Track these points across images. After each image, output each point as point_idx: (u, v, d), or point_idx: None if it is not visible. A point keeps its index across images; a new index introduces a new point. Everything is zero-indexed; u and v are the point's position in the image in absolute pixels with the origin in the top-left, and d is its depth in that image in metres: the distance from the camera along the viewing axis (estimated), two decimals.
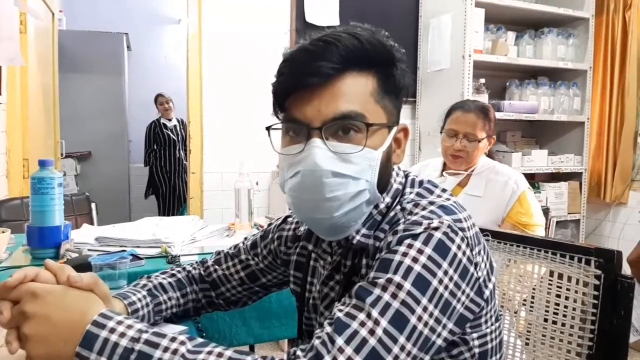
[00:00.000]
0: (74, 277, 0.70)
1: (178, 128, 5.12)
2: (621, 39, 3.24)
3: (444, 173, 2.00)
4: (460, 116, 1.91)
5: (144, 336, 0.63)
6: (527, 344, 1.09)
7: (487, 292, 0.75)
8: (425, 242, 0.69)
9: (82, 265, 1.14)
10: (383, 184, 0.80)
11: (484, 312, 0.77)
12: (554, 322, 1.02)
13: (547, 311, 1.04)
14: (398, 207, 0.79)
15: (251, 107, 2.93)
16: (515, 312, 1.14)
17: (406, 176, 0.85)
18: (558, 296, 1.02)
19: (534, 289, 1.09)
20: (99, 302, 0.70)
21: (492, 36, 3.13)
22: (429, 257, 0.68)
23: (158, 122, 5.04)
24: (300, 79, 0.74)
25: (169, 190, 5.08)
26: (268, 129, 0.80)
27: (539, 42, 3.25)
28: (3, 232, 1.34)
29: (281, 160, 0.80)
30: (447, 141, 1.93)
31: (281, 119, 0.79)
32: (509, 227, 1.84)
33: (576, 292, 0.98)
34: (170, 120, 5.08)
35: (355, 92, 0.75)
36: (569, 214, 3.31)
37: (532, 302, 1.09)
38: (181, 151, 5.06)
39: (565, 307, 1.00)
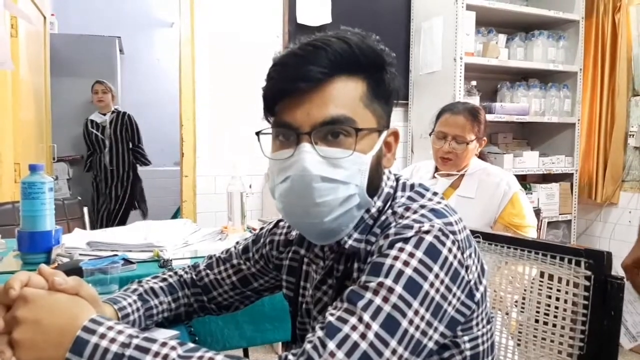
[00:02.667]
0: (57, 281, 0.70)
1: (113, 125, 4.15)
2: (611, 41, 3.27)
3: (435, 175, 2.00)
4: (449, 118, 1.92)
5: (135, 341, 0.63)
6: (518, 345, 1.10)
7: (478, 295, 0.76)
8: (417, 246, 0.69)
9: (73, 270, 1.13)
10: (373, 188, 0.80)
11: (475, 314, 0.77)
12: (545, 323, 1.03)
13: (538, 312, 1.05)
14: (389, 211, 0.79)
15: (244, 110, 2.93)
16: (507, 314, 1.14)
17: (397, 180, 0.85)
18: (549, 297, 1.02)
19: (525, 290, 1.09)
20: (90, 308, 0.69)
21: (483, 39, 3.14)
22: (420, 261, 0.68)
23: (87, 119, 4.21)
24: (290, 83, 0.74)
25: (96, 205, 4.21)
26: (258, 134, 0.80)
27: (530, 45, 3.27)
28: None
29: (271, 166, 0.80)
30: (436, 143, 1.94)
31: (271, 123, 0.79)
32: (501, 229, 1.85)
33: (567, 293, 0.99)
34: (104, 114, 4.17)
35: (344, 96, 0.75)
36: (560, 214, 3.33)
37: (523, 304, 1.09)
38: (115, 155, 4.14)
39: (556, 308, 1.01)
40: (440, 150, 1.92)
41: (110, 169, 4.17)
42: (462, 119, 1.89)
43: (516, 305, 1.12)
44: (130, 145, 4.27)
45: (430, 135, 1.99)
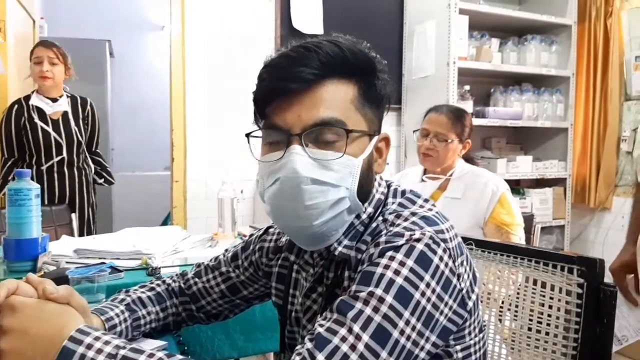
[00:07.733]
0: (49, 289, 0.69)
1: (73, 117, 2.55)
2: (603, 46, 3.28)
3: (423, 178, 2.06)
4: (432, 116, 2.03)
5: (122, 352, 0.62)
6: (511, 352, 1.09)
7: (470, 304, 0.74)
8: (407, 254, 0.68)
9: (60, 279, 1.11)
10: (364, 193, 0.79)
11: (467, 323, 0.76)
12: (538, 331, 1.02)
13: (531, 320, 1.04)
14: (380, 217, 0.78)
15: (235, 114, 2.91)
16: (500, 321, 1.13)
17: (388, 186, 0.84)
18: (542, 305, 1.01)
19: (517, 297, 1.08)
20: (77, 317, 0.68)
21: (476, 43, 3.15)
22: (411, 270, 0.67)
23: (23, 105, 2.49)
24: (281, 84, 0.74)
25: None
26: (248, 135, 0.80)
27: (523, 49, 3.28)
28: None
29: (261, 169, 0.79)
30: (419, 140, 2.03)
31: (261, 126, 0.79)
32: (492, 228, 1.89)
33: (559, 300, 0.98)
34: (55, 100, 2.53)
35: (335, 98, 0.75)
36: (553, 219, 3.33)
37: (515, 311, 1.08)
38: (77, 168, 2.55)
39: (549, 315, 1.00)
40: (422, 146, 2.01)
41: (62, 185, 2.50)
42: (444, 118, 1.99)
43: (509, 313, 1.11)
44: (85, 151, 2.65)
45: (413, 132, 2.09)
